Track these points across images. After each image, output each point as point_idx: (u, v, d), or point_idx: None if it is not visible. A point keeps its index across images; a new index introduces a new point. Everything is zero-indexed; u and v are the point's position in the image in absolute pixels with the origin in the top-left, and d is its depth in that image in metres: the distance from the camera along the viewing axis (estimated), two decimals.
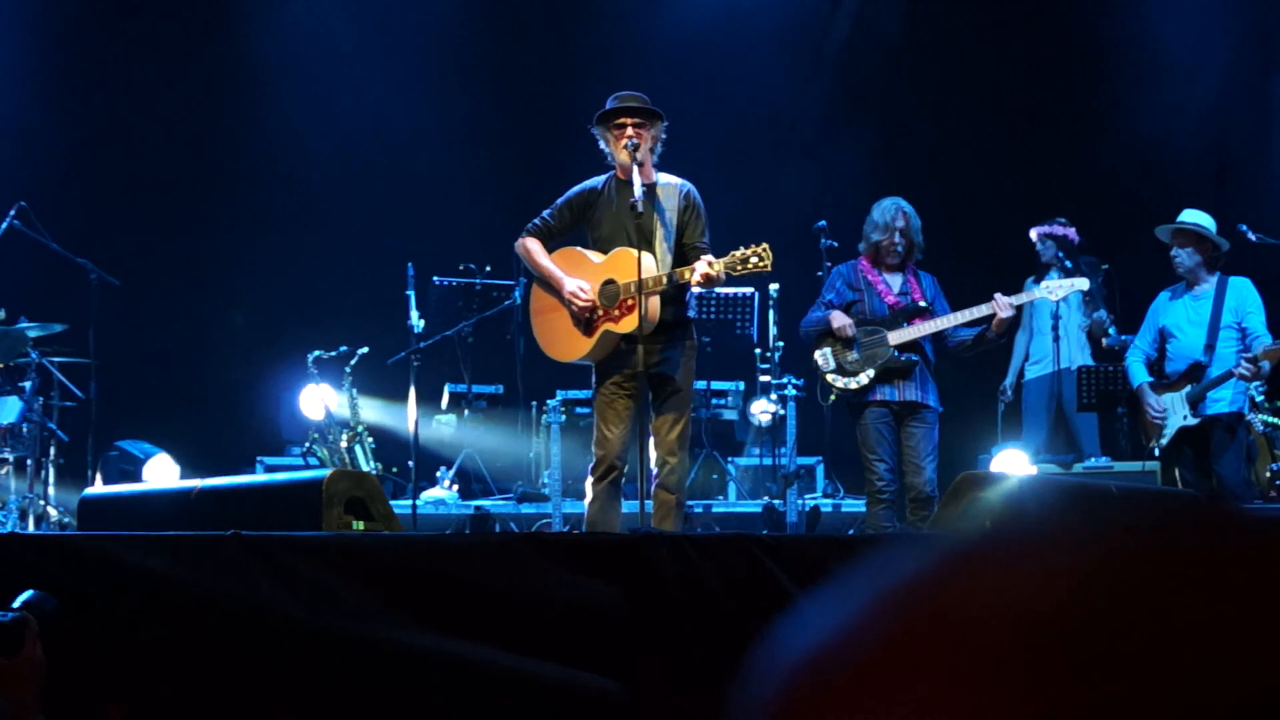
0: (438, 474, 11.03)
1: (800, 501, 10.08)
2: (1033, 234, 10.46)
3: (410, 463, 9.73)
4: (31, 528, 9.28)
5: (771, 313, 10.10)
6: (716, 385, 11.17)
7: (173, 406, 11.87)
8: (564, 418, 10.15)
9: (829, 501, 10.67)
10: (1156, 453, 8.99)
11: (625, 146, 7.14)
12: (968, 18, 13.27)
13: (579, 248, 7.42)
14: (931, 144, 12.97)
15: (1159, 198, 10.48)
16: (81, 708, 4.29)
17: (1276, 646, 0.60)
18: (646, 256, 7.00)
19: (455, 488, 10.94)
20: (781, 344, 10.03)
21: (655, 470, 7.17)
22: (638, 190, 7.00)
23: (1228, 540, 0.65)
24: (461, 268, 11.10)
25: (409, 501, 9.40)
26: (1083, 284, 8.64)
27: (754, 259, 7.00)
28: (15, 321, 9.69)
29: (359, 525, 5.51)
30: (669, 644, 4.72)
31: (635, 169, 7.08)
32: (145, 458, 10.61)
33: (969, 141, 12.98)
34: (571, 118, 7.88)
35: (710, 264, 6.95)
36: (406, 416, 9.66)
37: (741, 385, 11.26)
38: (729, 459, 11.39)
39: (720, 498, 11.09)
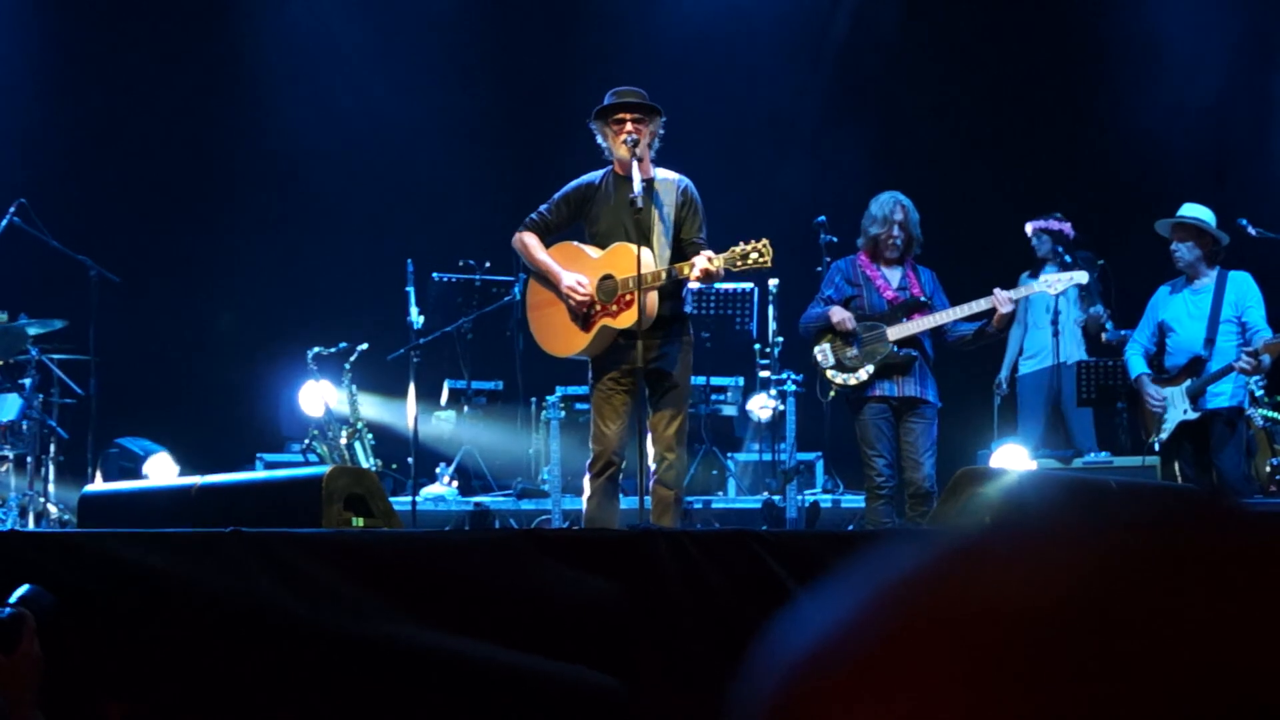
0: (437, 470, 11.03)
1: (800, 497, 10.09)
2: (1028, 229, 10.46)
3: (410, 459, 9.73)
4: (31, 525, 9.28)
5: (771, 308, 10.10)
6: (716, 381, 11.16)
7: (173, 403, 11.87)
8: (563, 414, 10.15)
9: (828, 497, 10.67)
10: (1156, 447, 9.00)
11: (624, 142, 7.13)
12: (967, 14, 13.26)
13: (576, 243, 7.42)
14: (930, 140, 12.97)
15: (1159, 193, 10.48)
16: (81, 705, 4.29)
17: (1277, 644, 0.60)
18: (645, 251, 6.99)
19: (455, 484, 10.94)
20: (781, 339, 10.03)
21: (653, 466, 7.17)
22: (637, 186, 7.00)
23: (1228, 536, 0.64)
24: (461, 264, 11.10)
25: (409, 498, 9.41)
26: (1081, 277, 8.64)
27: (754, 255, 7.00)
28: (15, 318, 9.69)
29: (359, 522, 5.52)
30: (668, 640, 4.72)
31: (635, 164, 7.08)
32: (145, 455, 10.61)
33: (968, 137, 12.98)
34: (571, 114, 7.88)
35: (710, 259, 6.95)
36: (406, 413, 9.66)
37: (741, 381, 11.26)
38: (728, 455, 11.38)
39: (720, 493, 11.09)
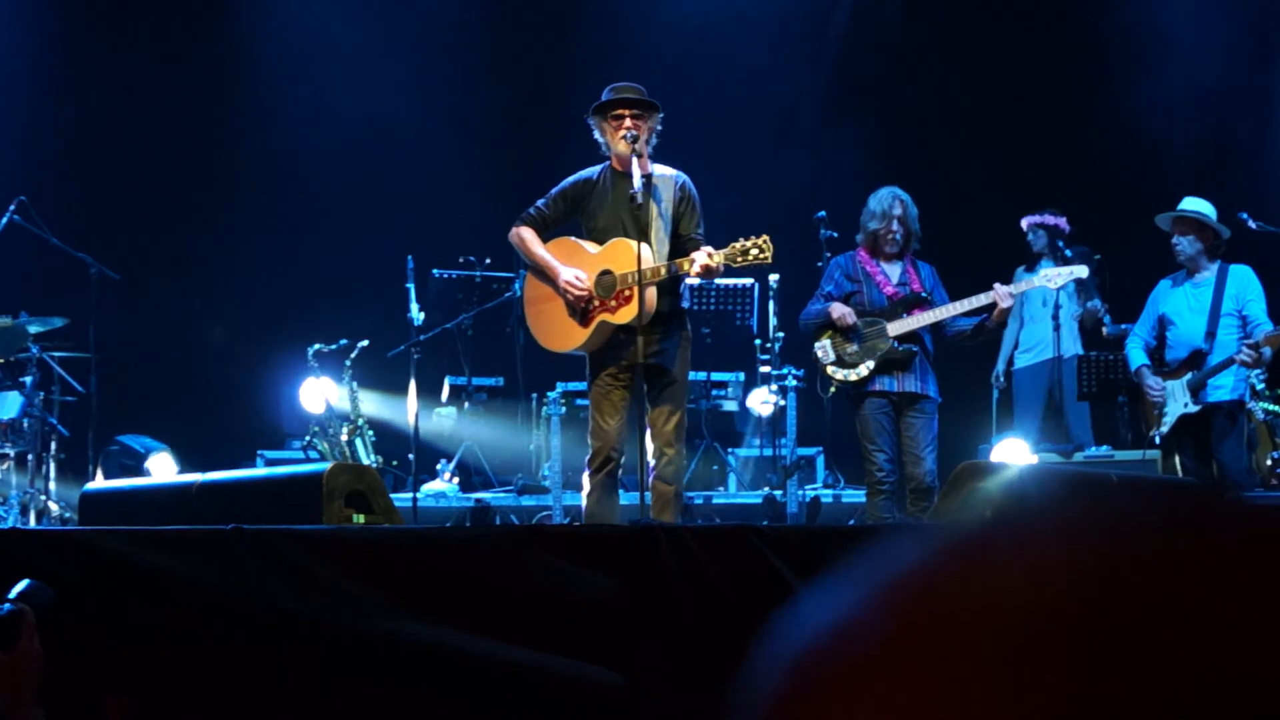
0: (438, 467, 11.03)
1: (801, 492, 10.09)
2: (1024, 224, 10.47)
3: (410, 456, 9.74)
4: (33, 523, 9.28)
5: (771, 303, 10.10)
6: (716, 376, 11.15)
7: (173, 401, 11.87)
8: (564, 410, 10.15)
9: (829, 492, 10.67)
10: (1157, 441, 9.00)
11: (624, 137, 7.13)
12: (966, 9, 13.27)
13: (574, 238, 7.41)
14: (930, 135, 12.97)
15: (1158, 188, 10.48)
16: (81, 702, 4.29)
17: (1277, 638, 0.59)
18: (644, 247, 6.99)
19: (456, 480, 10.94)
20: (781, 335, 10.03)
21: (652, 462, 7.16)
22: (637, 181, 7.00)
23: (1229, 529, 0.64)
24: (461, 260, 11.09)
25: (409, 494, 9.42)
26: (1081, 272, 8.65)
27: (754, 251, 7.00)
28: (16, 316, 9.69)
29: (360, 518, 5.52)
30: (669, 635, 4.72)
31: (634, 160, 7.07)
32: (146, 452, 10.61)
33: (967, 133, 12.97)
34: (571, 110, 7.87)
35: (710, 255, 6.95)
36: (407, 409, 9.66)
37: (741, 376, 11.25)
38: (729, 450, 11.38)
39: (720, 489, 11.09)
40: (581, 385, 7.58)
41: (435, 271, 11.04)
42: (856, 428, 8.24)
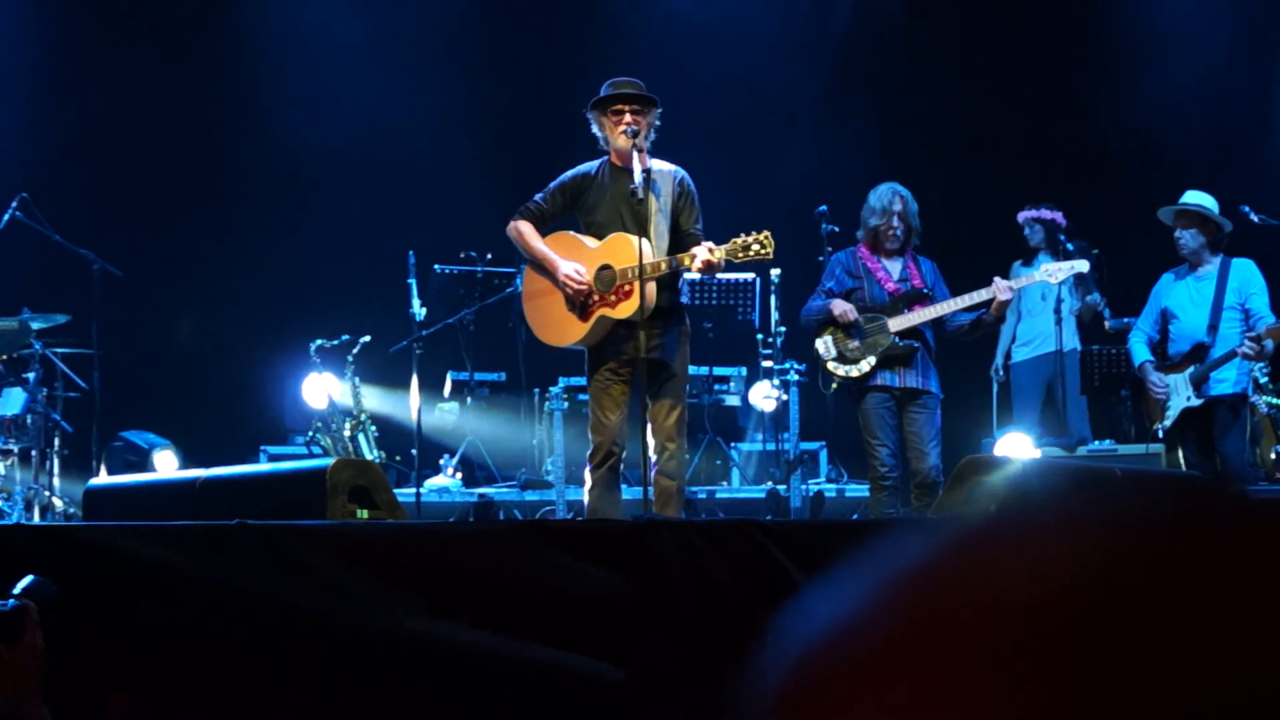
0: (441, 462, 11.02)
1: (804, 487, 10.09)
2: (1020, 218, 10.47)
3: (413, 451, 9.74)
4: (37, 518, 9.28)
5: (773, 298, 10.10)
6: (719, 371, 11.15)
7: (176, 396, 11.89)
8: (566, 405, 10.15)
9: (832, 487, 10.66)
10: (1160, 435, 9.00)
11: (624, 132, 7.13)
12: (967, 5, 13.26)
13: (573, 232, 7.41)
14: (930, 130, 12.96)
15: (1160, 181, 10.47)
16: (84, 697, 4.29)
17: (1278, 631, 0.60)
18: (645, 242, 6.99)
19: (459, 475, 10.93)
20: (784, 329, 10.02)
21: (654, 458, 7.15)
22: (638, 176, 7.00)
23: (1233, 524, 0.64)
24: (463, 255, 11.08)
25: (412, 490, 9.41)
26: (1082, 266, 8.64)
27: (756, 246, 7.00)
28: (18, 313, 9.69)
29: (363, 514, 5.52)
30: (673, 630, 4.73)
31: (635, 155, 7.07)
32: (150, 448, 10.61)
33: (968, 128, 12.95)
34: (571, 103, 7.86)
35: (711, 250, 6.95)
36: (409, 405, 9.67)
37: (744, 371, 11.25)
38: (732, 445, 11.38)
39: (723, 483, 11.08)
40: (584, 380, 7.57)
41: (437, 267, 11.04)
42: (859, 423, 8.23)
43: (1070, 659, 0.59)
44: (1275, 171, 11.97)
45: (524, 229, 7.40)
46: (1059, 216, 10.19)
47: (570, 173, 7.46)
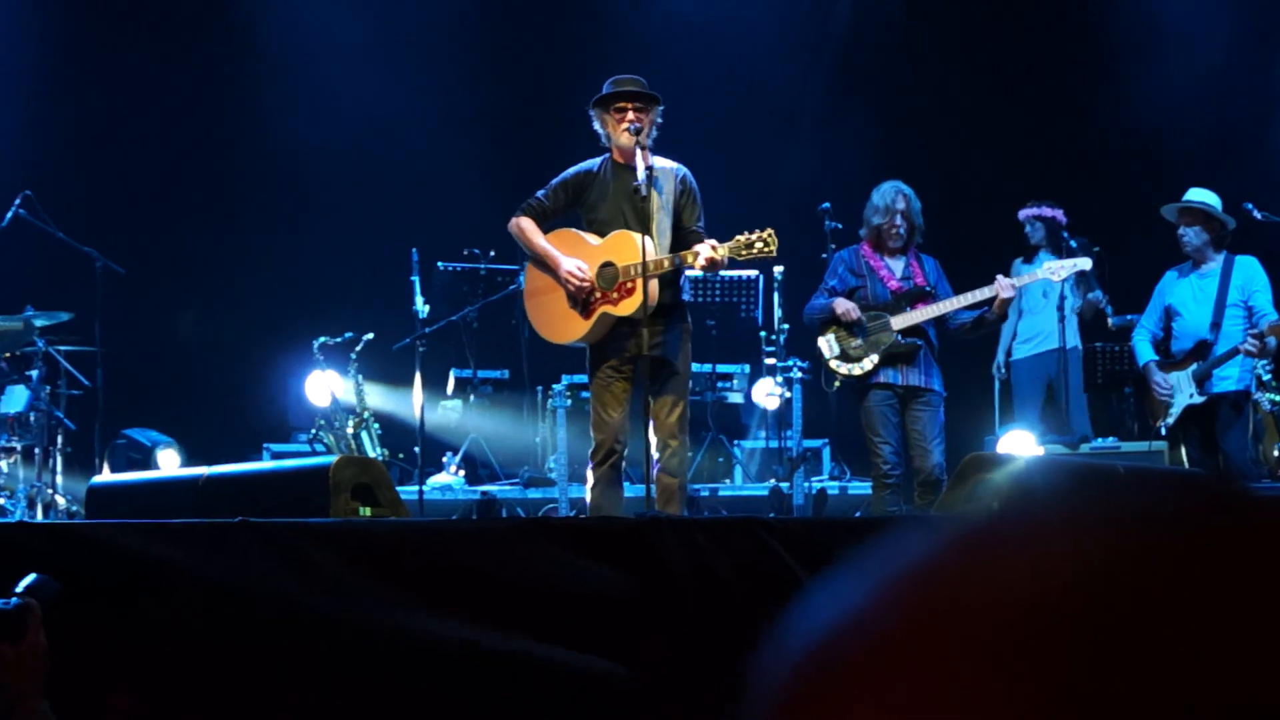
0: (444, 459, 11.03)
1: (807, 484, 10.08)
2: (1021, 216, 10.47)
3: (416, 448, 9.74)
4: (39, 516, 9.29)
5: (776, 295, 10.10)
6: (722, 368, 11.15)
7: (179, 394, 11.89)
8: (570, 402, 10.15)
9: (835, 484, 10.66)
10: (1163, 432, 9.00)
11: (628, 130, 7.13)
12: (967, 3, 13.26)
13: (575, 230, 7.41)
14: (932, 128, 12.95)
15: (1163, 178, 10.48)
16: (87, 696, 4.30)
17: None
18: (648, 239, 6.99)
19: (461, 473, 10.94)
20: (787, 327, 10.02)
21: (656, 455, 7.15)
22: (641, 173, 7.00)
23: (1235, 520, 0.64)
24: (466, 253, 11.08)
25: (415, 487, 9.41)
26: (1085, 264, 8.65)
27: (759, 244, 7.00)
28: (21, 310, 9.70)
29: (366, 511, 5.52)
30: (675, 628, 4.73)
31: (638, 152, 7.08)
32: (153, 445, 10.63)
33: (969, 125, 12.95)
34: (574, 100, 7.87)
35: (714, 248, 6.95)
36: (412, 402, 9.67)
37: (747, 368, 11.24)
38: (735, 442, 11.37)
39: (726, 481, 11.08)
40: (586, 378, 7.57)
41: (440, 264, 11.04)
42: (861, 420, 8.23)
43: (1071, 658, 0.59)
44: (1278, 168, 11.95)
45: (525, 225, 7.40)
46: (1059, 214, 10.19)
47: (572, 170, 7.46)
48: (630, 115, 7.17)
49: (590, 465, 7.31)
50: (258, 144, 12.70)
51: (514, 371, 11.33)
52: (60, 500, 9.74)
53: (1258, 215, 9.44)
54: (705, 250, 6.93)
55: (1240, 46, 12.73)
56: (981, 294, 8.07)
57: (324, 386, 10.90)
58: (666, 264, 7.00)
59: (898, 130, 12.80)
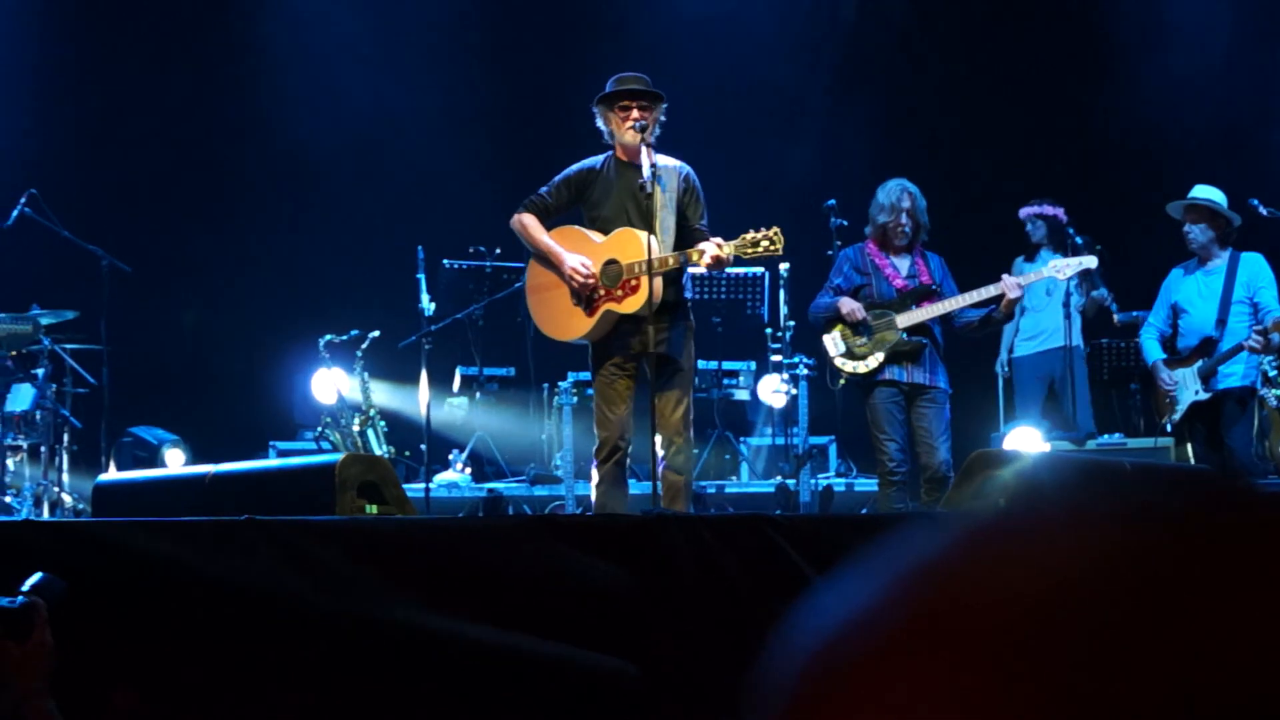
0: (450, 457, 11.04)
1: (813, 481, 10.09)
2: (1022, 214, 10.46)
3: (423, 446, 9.74)
4: (46, 514, 9.30)
5: (782, 292, 10.10)
6: (728, 365, 11.15)
7: (185, 392, 11.90)
8: (576, 399, 10.15)
9: (842, 481, 10.66)
10: (1169, 429, 8.99)
11: (633, 128, 7.13)
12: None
13: (578, 226, 7.41)
14: (937, 125, 12.94)
15: (1168, 175, 10.47)
16: (92, 693, 4.30)
17: None
18: (652, 237, 6.99)
19: (468, 470, 10.94)
20: (793, 324, 10.03)
21: (662, 453, 7.15)
22: (646, 171, 6.99)
23: (1241, 516, 0.64)
24: (471, 250, 11.09)
25: (422, 485, 9.41)
26: (1091, 262, 8.64)
27: (765, 243, 7.00)
28: (28, 309, 9.70)
29: (372, 509, 5.52)
30: (682, 625, 4.73)
31: (644, 150, 7.07)
32: (159, 444, 10.64)
33: (974, 122, 12.93)
34: (579, 97, 7.87)
35: (720, 246, 6.95)
36: (418, 400, 9.67)
37: (753, 365, 11.24)
38: (741, 439, 11.38)
39: (733, 478, 11.08)
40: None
41: (446, 262, 11.04)
42: (867, 418, 8.23)
43: (1074, 657, 0.59)
44: None
45: (528, 221, 7.40)
46: (1060, 212, 10.18)
47: (575, 167, 7.46)
48: (635, 113, 7.17)
49: (595, 463, 7.31)
50: (264, 142, 12.70)
51: (520, 369, 11.34)
52: (66, 498, 9.75)
53: (1263, 211, 9.43)
54: (711, 248, 6.93)
55: (1243, 42, 12.71)
56: (987, 292, 8.06)
57: (330, 384, 10.90)
58: (671, 262, 7.00)
59: (902, 128, 12.79)
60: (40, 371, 9.73)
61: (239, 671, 4.53)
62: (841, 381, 8.30)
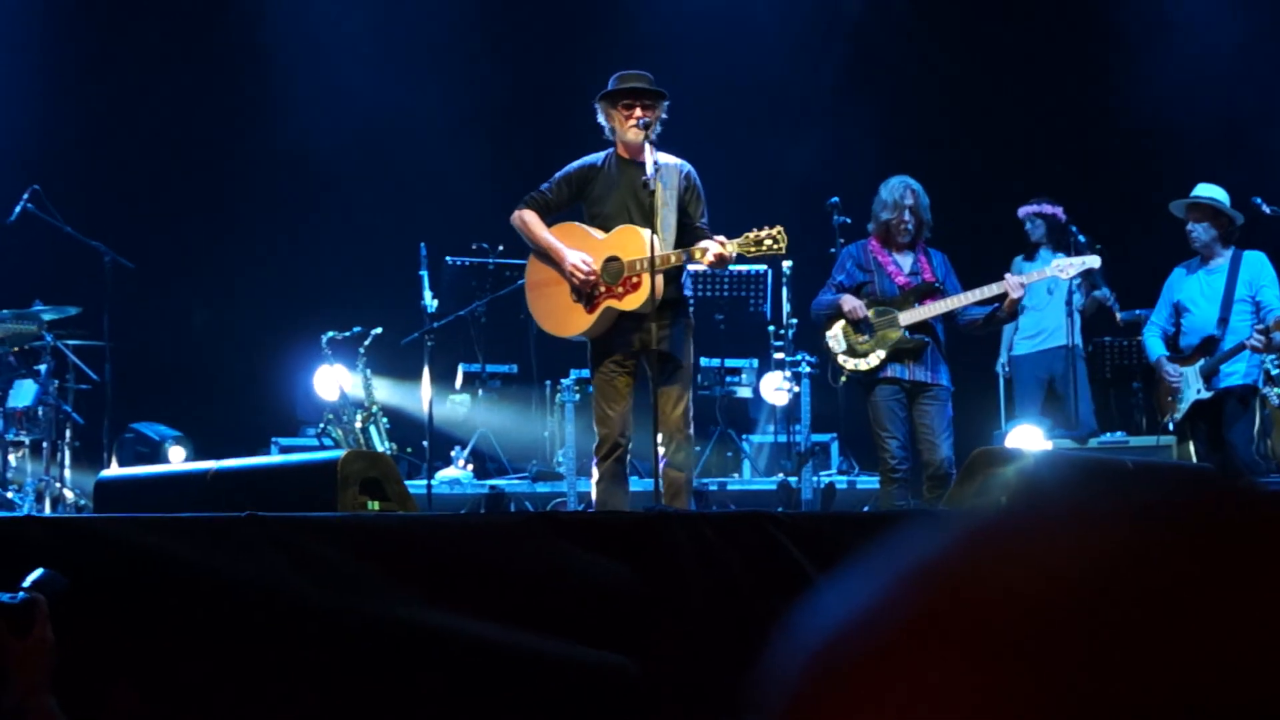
0: (452, 454, 11.04)
1: (815, 479, 10.08)
2: (1021, 213, 10.46)
3: (425, 443, 9.74)
4: (48, 510, 9.30)
5: (785, 290, 10.09)
6: (730, 363, 11.15)
7: (188, 388, 11.90)
8: (578, 397, 10.15)
9: (844, 478, 10.66)
10: (1171, 427, 8.99)
11: (636, 125, 7.13)
12: None
13: (580, 223, 7.40)
14: (941, 122, 12.94)
15: (1170, 173, 10.46)
16: (93, 690, 4.30)
17: None
18: (654, 235, 6.98)
19: (470, 467, 10.95)
20: (795, 321, 10.02)
21: (663, 450, 7.15)
22: (650, 169, 6.99)
23: (1242, 515, 0.64)
24: (474, 247, 11.09)
25: (424, 481, 9.41)
26: (1094, 261, 8.64)
27: (769, 242, 7.01)
28: (30, 304, 9.71)
29: (374, 506, 5.52)
30: (683, 622, 4.72)
31: (647, 147, 7.07)
32: (161, 440, 10.65)
33: (977, 120, 12.93)
34: (581, 94, 7.87)
35: (723, 244, 6.95)
36: (420, 396, 9.67)
37: (755, 363, 11.25)
38: (743, 437, 11.38)
39: (735, 475, 11.09)
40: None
41: (449, 259, 11.04)
42: (869, 415, 8.22)
43: (1075, 656, 0.59)
44: None
45: (528, 218, 7.40)
46: (1059, 211, 10.18)
47: (576, 163, 7.46)
48: (638, 111, 7.18)
49: (595, 460, 7.31)
50: (266, 139, 12.70)
51: (522, 366, 11.34)
52: (68, 494, 9.75)
53: (1266, 209, 9.42)
54: (714, 247, 6.93)
55: (1245, 40, 12.70)
56: (989, 290, 8.06)
57: (332, 381, 10.91)
58: (673, 259, 7.00)
59: (905, 125, 12.79)
60: (43, 367, 9.74)
61: (240, 668, 4.53)
62: (844, 379, 8.29)
